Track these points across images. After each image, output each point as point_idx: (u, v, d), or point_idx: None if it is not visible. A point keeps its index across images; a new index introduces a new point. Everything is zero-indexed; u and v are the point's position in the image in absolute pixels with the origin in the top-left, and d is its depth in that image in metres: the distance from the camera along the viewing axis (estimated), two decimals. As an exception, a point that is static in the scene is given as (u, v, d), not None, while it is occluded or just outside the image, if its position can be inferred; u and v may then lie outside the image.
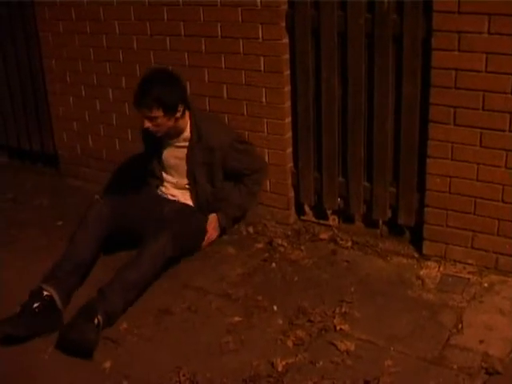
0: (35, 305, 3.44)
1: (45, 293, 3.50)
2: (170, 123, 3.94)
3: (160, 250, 3.71)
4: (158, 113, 3.83)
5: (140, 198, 4.23)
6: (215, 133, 4.10)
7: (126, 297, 3.54)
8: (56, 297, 3.51)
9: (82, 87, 5.25)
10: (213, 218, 4.27)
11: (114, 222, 3.87)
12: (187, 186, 4.24)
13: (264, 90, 4.22)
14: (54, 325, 3.45)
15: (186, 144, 4.12)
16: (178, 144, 4.15)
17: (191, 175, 4.18)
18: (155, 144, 4.22)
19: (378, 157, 4.01)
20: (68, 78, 5.30)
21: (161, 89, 3.82)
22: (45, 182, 5.69)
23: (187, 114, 4.06)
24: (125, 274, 3.58)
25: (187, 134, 4.10)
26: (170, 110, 3.87)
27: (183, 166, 4.18)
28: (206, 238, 4.22)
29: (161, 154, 4.25)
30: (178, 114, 3.93)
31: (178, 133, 4.09)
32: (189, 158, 4.13)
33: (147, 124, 3.89)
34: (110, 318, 3.43)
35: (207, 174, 4.17)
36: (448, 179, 3.77)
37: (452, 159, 3.72)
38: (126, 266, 3.64)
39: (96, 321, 3.33)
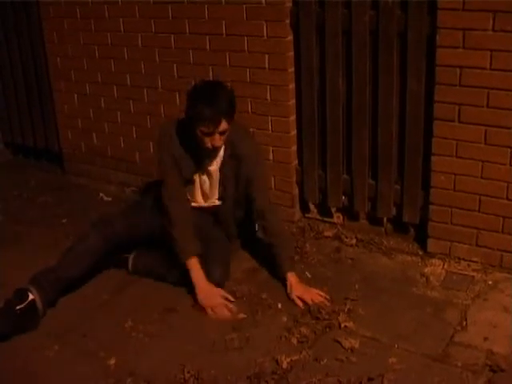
0: (18, 307, 3.48)
1: (30, 296, 3.53)
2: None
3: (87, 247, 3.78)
4: (228, 124, 3.54)
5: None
6: (244, 140, 3.81)
7: (57, 286, 3.68)
8: (39, 303, 3.55)
9: (87, 85, 5.25)
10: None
11: (108, 251, 3.87)
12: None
13: (269, 87, 4.22)
14: (30, 328, 3.51)
15: (219, 160, 3.81)
16: (210, 163, 3.83)
17: (221, 189, 3.89)
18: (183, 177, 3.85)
19: (383, 154, 4.02)
20: (73, 76, 5.31)
21: (227, 99, 3.54)
22: (49, 179, 5.70)
23: None
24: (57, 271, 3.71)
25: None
26: (232, 119, 3.60)
27: (214, 184, 3.89)
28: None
29: (191, 184, 3.90)
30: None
31: None
32: (222, 172, 3.84)
33: (218, 141, 3.56)
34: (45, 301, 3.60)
35: (235, 189, 3.88)
36: (453, 176, 3.77)
37: (457, 156, 3.71)
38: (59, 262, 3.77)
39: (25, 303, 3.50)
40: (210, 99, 3.46)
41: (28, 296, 3.53)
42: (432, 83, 3.68)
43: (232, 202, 3.94)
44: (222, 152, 3.77)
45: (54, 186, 5.51)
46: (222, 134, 3.54)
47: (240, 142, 3.77)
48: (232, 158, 3.78)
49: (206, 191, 3.92)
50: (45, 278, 3.65)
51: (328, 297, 3.62)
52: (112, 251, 3.88)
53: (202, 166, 3.82)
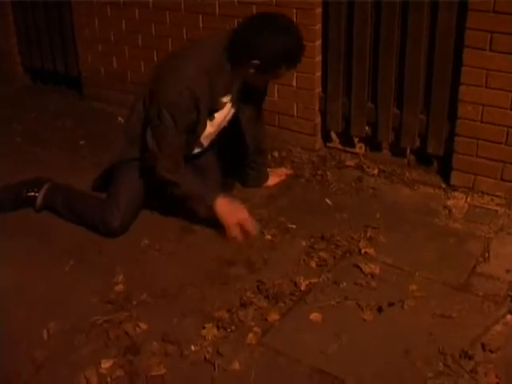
0: (27, 193, 3.78)
1: (41, 193, 3.75)
2: None
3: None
4: None
5: None
6: None
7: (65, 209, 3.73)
8: (39, 203, 3.76)
9: (108, 7, 5.14)
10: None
11: None
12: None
13: (295, 10, 4.09)
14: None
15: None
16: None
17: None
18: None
19: (409, 83, 3.91)
20: (94, -2, 5.21)
21: None
22: (68, 103, 5.63)
23: None
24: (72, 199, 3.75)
25: None
26: None
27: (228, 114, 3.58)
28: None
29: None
30: None
31: None
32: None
33: None
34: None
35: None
36: (480, 107, 3.67)
37: (486, 87, 3.61)
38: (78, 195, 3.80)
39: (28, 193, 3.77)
40: (302, 42, 3.17)
41: (40, 190, 3.76)
42: (464, 9, 3.55)
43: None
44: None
45: (72, 111, 5.45)
46: None
47: None
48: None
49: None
50: (55, 196, 3.77)
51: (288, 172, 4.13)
52: None
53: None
